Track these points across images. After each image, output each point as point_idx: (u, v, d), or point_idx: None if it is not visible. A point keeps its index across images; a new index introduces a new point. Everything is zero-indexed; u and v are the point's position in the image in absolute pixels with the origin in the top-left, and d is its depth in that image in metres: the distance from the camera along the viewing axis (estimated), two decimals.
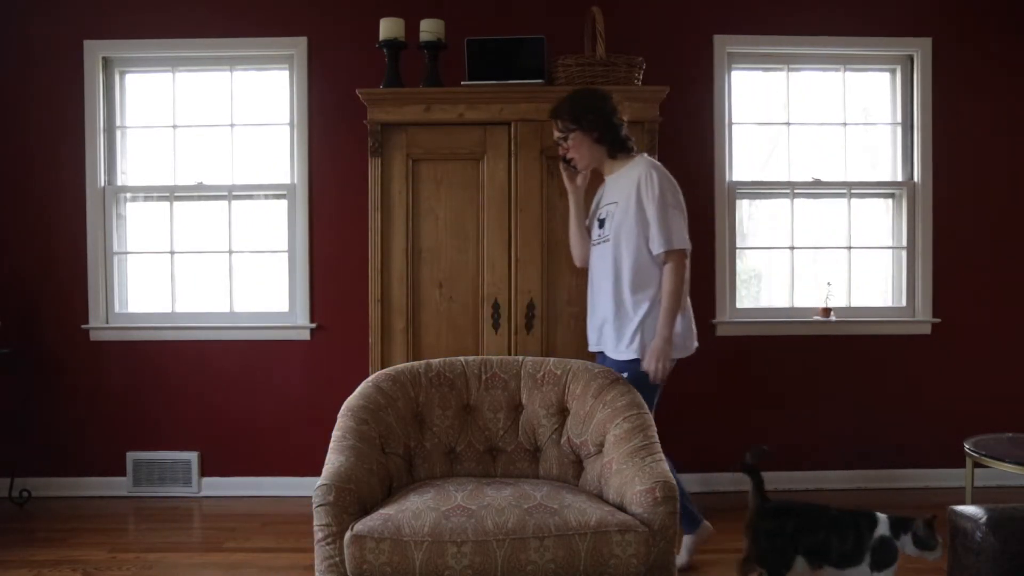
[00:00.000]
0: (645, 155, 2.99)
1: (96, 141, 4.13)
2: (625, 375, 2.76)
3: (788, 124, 4.29)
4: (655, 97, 3.47)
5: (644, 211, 2.85)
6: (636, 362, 2.85)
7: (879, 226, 4.33)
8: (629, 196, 2.86)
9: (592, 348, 3.06)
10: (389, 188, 3.48)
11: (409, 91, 3.51)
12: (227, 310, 4.22)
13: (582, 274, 3.49)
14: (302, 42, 4.10)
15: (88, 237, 4.13)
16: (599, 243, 2.97)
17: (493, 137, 3.47)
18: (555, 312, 3.49)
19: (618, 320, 2.90)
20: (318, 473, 2.28)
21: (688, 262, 2.92)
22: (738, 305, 4.24)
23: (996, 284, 4.22)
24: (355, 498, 2.20)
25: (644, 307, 2.87)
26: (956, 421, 4.14)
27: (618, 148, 2.94)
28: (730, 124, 4.20)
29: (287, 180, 4.18)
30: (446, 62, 3.67)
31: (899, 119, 4.27)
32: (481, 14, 4.03)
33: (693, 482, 4.10)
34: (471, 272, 3.50)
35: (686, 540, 3.13)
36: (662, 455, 2.33)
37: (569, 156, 2.97)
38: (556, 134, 2.95)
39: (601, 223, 2.97)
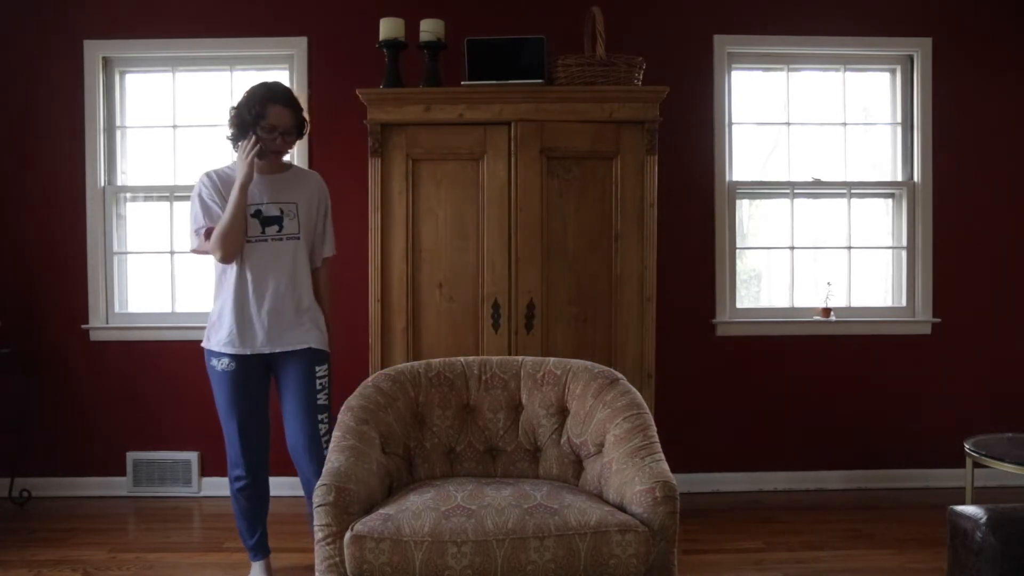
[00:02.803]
0: None
1: (96, 141, 4.13)
2: (325, 367, 3.00)
3: (788, 124, 4.29)
4: (655, 97, 3.47)
5: (323, 218, 3.05)
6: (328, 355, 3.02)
7: (879, 226, 4.33)
8: (311, 201, 3.01)
9: (260, 349, 2.90)
10: (389, 188, 3.48)
11: (409, 91, 3.51)
12: None
13: (582, 274, 3.50)
14: (302, 42, 4.10)
15: (88, 237, 4.13)
16: (275, 240, 2.90)
17: (493, 137, 3.47)
18: (555, 312, 3.49)
19: (300, 317, 2.95)
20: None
21: None
22: (738, 305, 4.24)
23: (996, 284, 4.22)
24: (355, 498, 2.20)
25: (315, 305, 3.02)
26: (956, 421, 4.15)
27: None
28: (730, 124, 4.20)
29: None
30: (446, 62, 3.67)
31: (899, 119, 4.27)
32: (481, 14, 4.03)
33: (693, 482, 4.11)
34: (471, 272, 3.50)
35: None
36: (662, 455, 2.33)
37: (278, 150, 2.92)
38: (286, 123, 2.87)
39: (271, 220, 2.90)
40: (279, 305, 2.91)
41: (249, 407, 2.95)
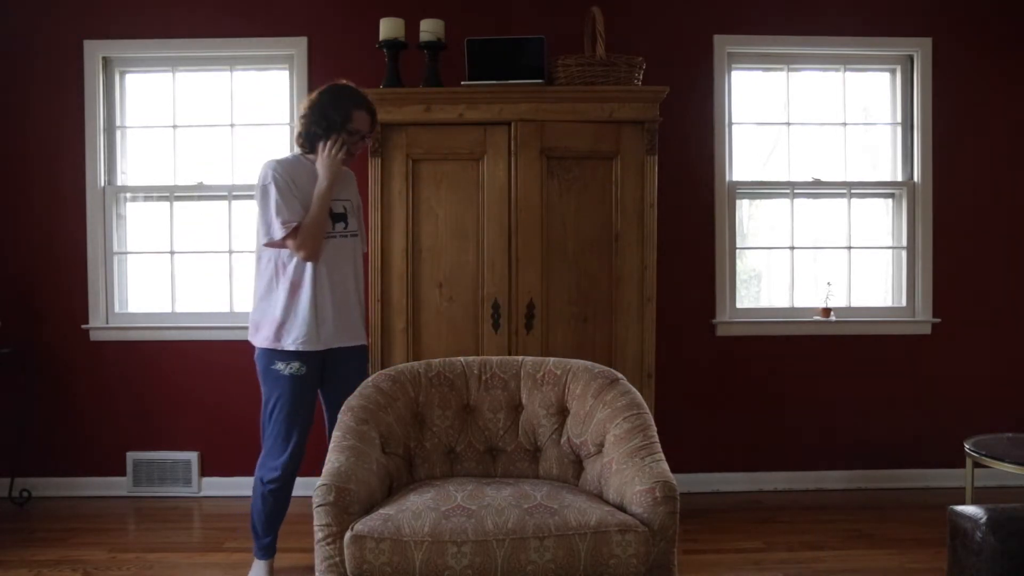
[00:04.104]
0: None
1: (96, 141, 4.13)
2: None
3: (788, 124, 4.29)
4: (655, 97, 3.48)
5: (362, 214, 3.20)
6: None
7: (879, 226, 4.33)
8: (356, 197, 3.14)
9: (331, 344, 2.95)
10: (389, 188, 3.48)
11: (409, 91, 3.51)
12: (227, 310, 4.22)
13: (582, 274, 3.50)
14: (302, 42, 4.10)
15: (88, 237, 4.13)
16: (342, 236, 2.99)
17: (493, 137, 3.47)
18: (555, 312, 3.49)
19: (360, 312, 3.10)
20: (318, 473, 2.28)
21: None
22: (738, 305, 4.24)
23: (996, 284, 4.22)
24: (355, 498, 2.20)
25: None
26: (956, 421, 4.15)
27: None
28: (730, 124, 4.20)
29: None
30: (446, 62, 3.67)
31: (899, 119, 4.27)
32: (481, 14, 4.03)
33: (693, 482, 4.11)
34: (471, 272, 3.50)
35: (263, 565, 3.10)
36: (662, 455, 2.33)
37: (355, 153, 3.02)
38: (369, 127, 2.99)
39: (338, 217, 2.98)
40: (347, 301, 3.00)
41: (311, 411, 2.98)
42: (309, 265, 2.89)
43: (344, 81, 3.03)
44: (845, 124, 4.30)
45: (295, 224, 2.84)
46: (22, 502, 4.03)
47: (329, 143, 2.90)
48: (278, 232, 2.84)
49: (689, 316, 4.14)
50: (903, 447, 4.22)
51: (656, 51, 3.92)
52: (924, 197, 4.19)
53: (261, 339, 2.93)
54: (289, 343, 2.88)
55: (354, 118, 2.92)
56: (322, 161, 2.91)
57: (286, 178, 2.87)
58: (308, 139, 2.95)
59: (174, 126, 4.25)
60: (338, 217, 2.99)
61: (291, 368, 2.89)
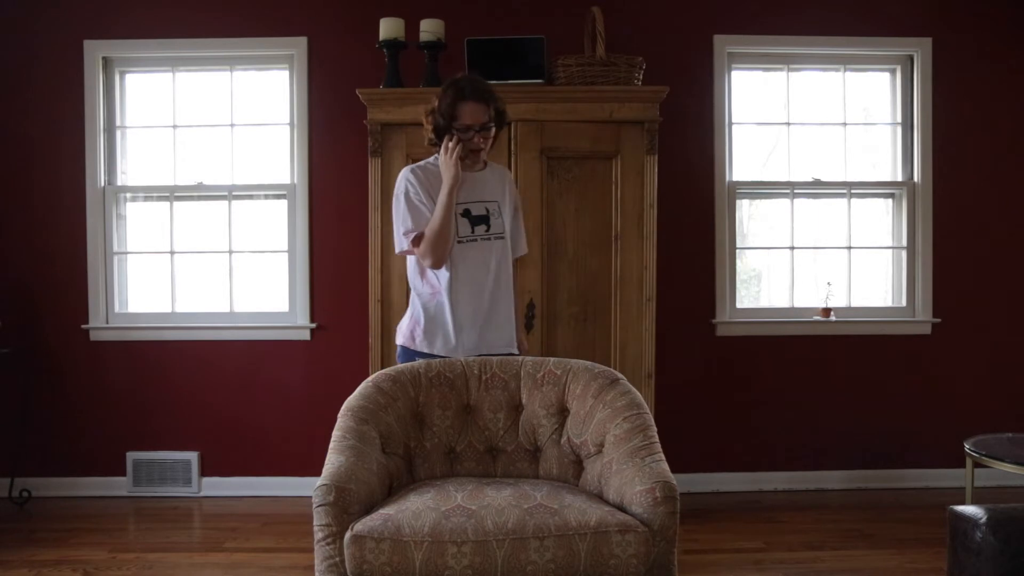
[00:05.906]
0: None
1: (96, 141, 4.13)
2: None
3: (788, 124, 4.29)
4: (655, 97, 3.48)
5: (518, 215, 2.95)
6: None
7: (879, 226, 4.33)
8: (509, 198, 2.90)
9: (471, 353, 2.80)
10: (389, 188, 3.46)
11: (409, 91, 3.51)
12: (227, 310, 4.22)
13: (582, 274, 3.50)
14: (302, 42, 4.10)
15: (88, 237, 4.13)
16: (483, 239, 2.81)
17: None
18: (555, 312, 3.49)
19: (509, 319, 2.89)
20: (318, 473, 2.28)
21: None
22: (738, 305, 4.24)
23: (996, 284, 4.22)
24: (355, 498, 2.20)
25: (515, 307, 2.93)
26: (956, 421, 4.14)
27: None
28: (730, 124, 4.20)
29: (287, 180, 4.18)
30: (446, 62, 3.67)
31: (899, 119, 4.27)
32: (481, 14, 4.03)
33: (693, 482, 4.11)
34: None
35: None
36: (662, 455, 2.33)
37: (478, 148, 2.78)
38: (481, 119, 2.73)
39: (479, 219, 2.81)
40: (491, 307, 2.83)
41: None
42: (446, 272, 2.76)
43: (462, 73, 2.84)
44: (845, 124, 4.30)
45: (415, 234, 2.72)
46: (22, 502, 4.03)
47: (443, 144, 2.74)
48: (401, 243, 2.76)
49: (689, 316, 4.14)
50: (903, 447, 4.22)
51: (656, 51, 3.92)
52: (924, 197, 4.19)
53: (404, 338, 2.85)
54: (439, 348, 2.80)
55: (459, 113, 2.71)
56: (441, 164, 2.77)
57: (417, 188, 2.75)
58: (432, 143, 2.82)
59: (174, 126, 4.25)
60: (478, 220, 2.79)
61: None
